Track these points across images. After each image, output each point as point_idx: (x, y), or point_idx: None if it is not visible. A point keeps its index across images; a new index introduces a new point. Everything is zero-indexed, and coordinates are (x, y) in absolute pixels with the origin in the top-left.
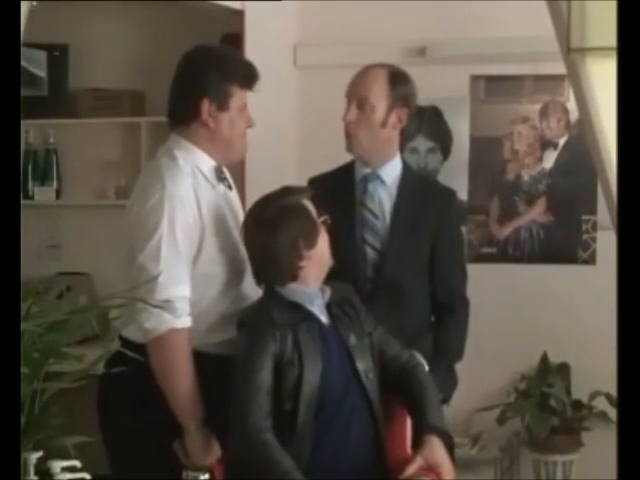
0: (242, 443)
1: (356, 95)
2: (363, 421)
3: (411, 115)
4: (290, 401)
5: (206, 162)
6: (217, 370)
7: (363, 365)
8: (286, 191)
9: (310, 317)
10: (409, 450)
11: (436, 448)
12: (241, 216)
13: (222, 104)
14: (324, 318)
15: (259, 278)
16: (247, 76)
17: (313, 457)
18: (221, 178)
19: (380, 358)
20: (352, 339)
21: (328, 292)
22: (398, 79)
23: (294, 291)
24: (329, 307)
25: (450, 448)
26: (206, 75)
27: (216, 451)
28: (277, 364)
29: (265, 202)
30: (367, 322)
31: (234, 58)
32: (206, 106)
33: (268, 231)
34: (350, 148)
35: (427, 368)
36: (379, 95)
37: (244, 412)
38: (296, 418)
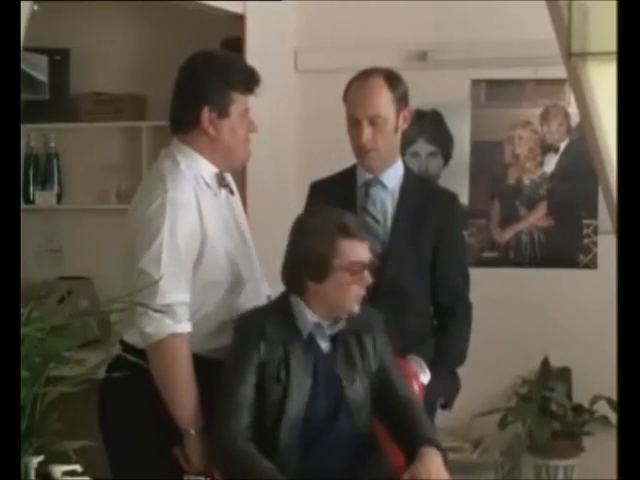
0: (221, 455)
1: (366, 114)
2: (348, 448)
3: (410, 112)
4: (272, 418)
5: (207, 169)
6: (218, 375)
7: (355, 397)
8: (341, 219)
9: (310, 341)
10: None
11: (432, 459)
12: (244, 221)
13: (223, 111)
14: (325, 345)
15: (282, 276)
16: (248, 81)
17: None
18: (223, 184)
19: (379, 393)
20: (348, 371)
21: (342, 324)
22: (394, 80)
23: (301, 313)
24: (338, 335)
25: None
26: (207, 83)
27: None
28: (260, 377)
29: (318, 212)
30: (377, 355)
31: (235, 64)
32: (206, 114)
33: (296, 236)
34: (367, 163)
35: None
36: (388, 106)
37: (222, 424)
38: (277, 437)
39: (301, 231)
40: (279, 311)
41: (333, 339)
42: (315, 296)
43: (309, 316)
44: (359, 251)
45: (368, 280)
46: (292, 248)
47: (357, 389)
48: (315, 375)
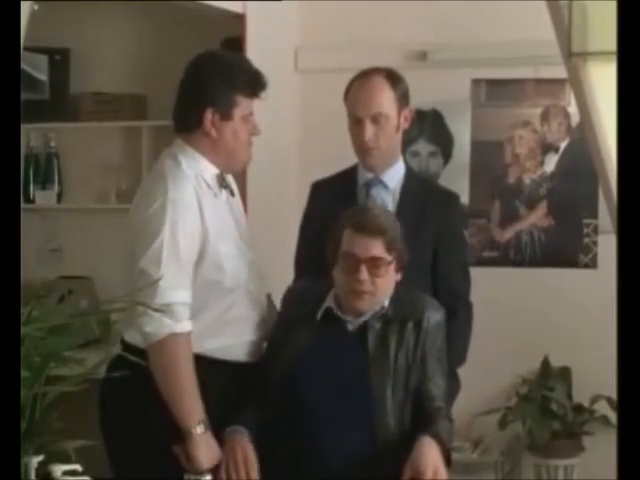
0: None
1: (368, 113)
2: (351, 447)
3: (412, 111)
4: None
5: (209, 169)
6: (219, 375)
7: (381, 396)
8: (356, 212)
9: (331, 326)
10: None
11: (429, 450)
12: (244, 222)
13: (226, 114)
14: (351, 326)
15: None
16: (254, 85)
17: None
18: (223, 185)
19: (415, 392)
20: (378, 365)
21: (368, 315)
22: (395, 80)
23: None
24: (369, 325)
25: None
26: (212, 84)
27: (217, 454)
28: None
29: (366, 210)
30: (418, 353)
31: (242, 67)
32: (209, 116)
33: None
34: (369, 161)
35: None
36: (389, 104)
37: None
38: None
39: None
40: (320, 289)
41: (362, 327)
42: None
43: (327, 300)
44: (354, 243)
45: (362, 276)
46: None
47: (384, 386)
48: (329, 363)
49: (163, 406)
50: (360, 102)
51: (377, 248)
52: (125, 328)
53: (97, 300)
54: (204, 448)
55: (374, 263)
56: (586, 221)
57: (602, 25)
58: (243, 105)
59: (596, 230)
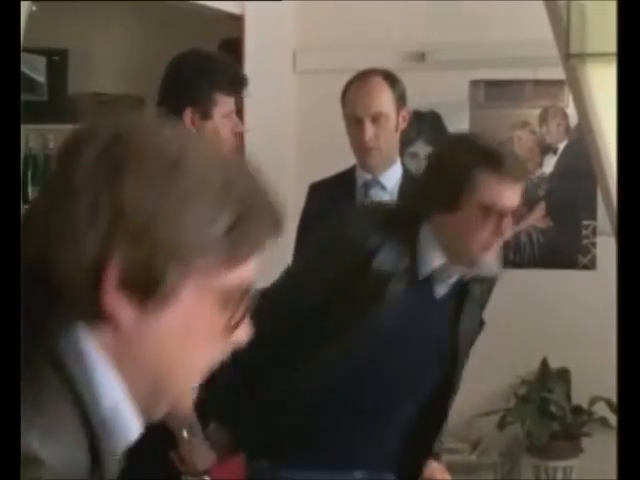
0: None
1: (368, 113)
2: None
3: (409, 112)
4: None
5: None
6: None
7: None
8: (493, 150)
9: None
10: None
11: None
12: None
13: (206, 113)
14: (441, 291)
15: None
16: (233, 83)
17: None
18: None
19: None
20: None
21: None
22: (393, 80)
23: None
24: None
25: None
26: (190, 83)
27: (211, 455)
28: None
29: (502, 149)
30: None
31: (221, 64)
32: (189, 115)
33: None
34: (368, 162)
35: None
36: (389, 104)
37: None
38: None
39: (443, 152)
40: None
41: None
42: (441, 230)
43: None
44: (500, 193)
45: (506, 231)
46: (427, 172)
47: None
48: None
49: None
50: (360, 102)
51: (518, 195)
52: None
53: None
54: (194, 450)
55: (512, 214)
56: (585, 222)
57: (600, 26)
58: (223, 103)
59: (595, 231)
